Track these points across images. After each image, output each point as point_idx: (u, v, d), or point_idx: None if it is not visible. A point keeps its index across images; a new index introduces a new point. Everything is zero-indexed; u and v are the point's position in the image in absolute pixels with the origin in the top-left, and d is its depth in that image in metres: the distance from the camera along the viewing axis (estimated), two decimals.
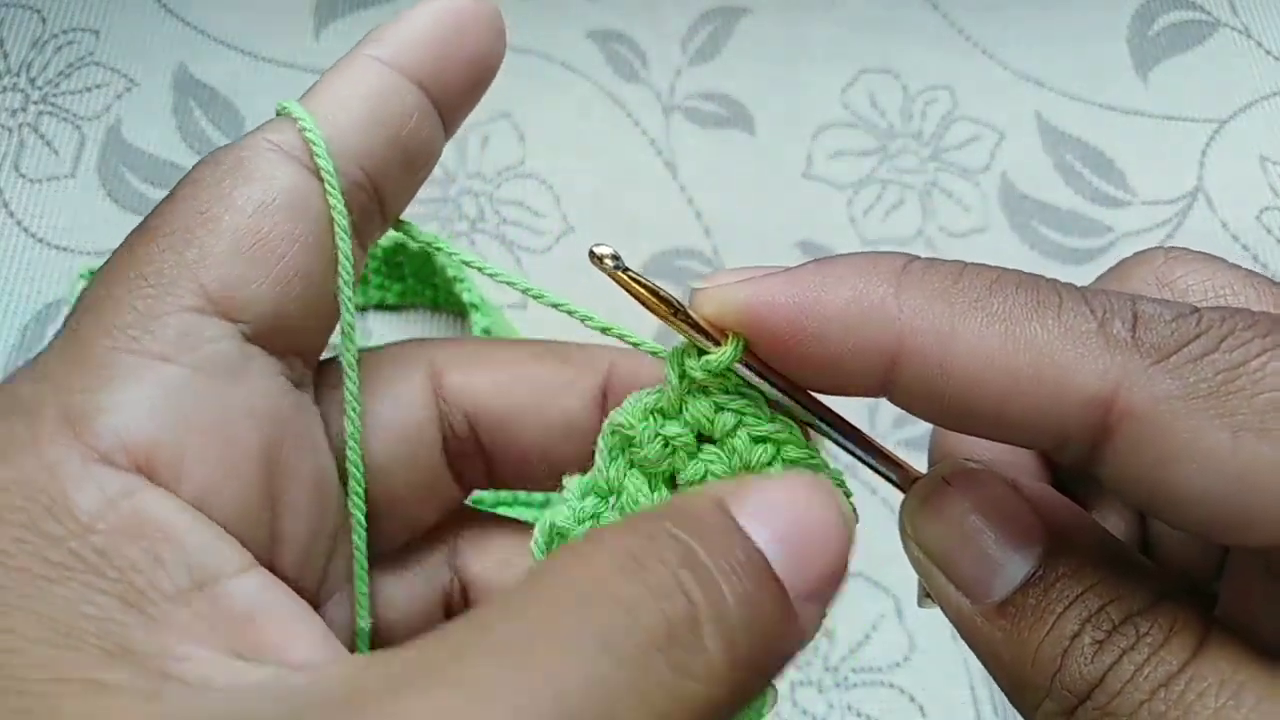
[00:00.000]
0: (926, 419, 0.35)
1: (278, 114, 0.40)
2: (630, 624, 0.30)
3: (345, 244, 0.39)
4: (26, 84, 1.09)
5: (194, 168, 0.39)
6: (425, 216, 1.06)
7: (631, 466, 0.40)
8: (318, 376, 0.43)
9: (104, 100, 1.09)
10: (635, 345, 0.41)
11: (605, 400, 0.46)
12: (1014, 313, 0.33)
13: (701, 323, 0.37)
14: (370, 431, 0.42)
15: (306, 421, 0.40)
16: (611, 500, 0.41)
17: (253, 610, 0.33)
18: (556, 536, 0.41)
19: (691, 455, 0.40)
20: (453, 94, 0.42)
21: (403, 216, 0.43)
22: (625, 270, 0.37)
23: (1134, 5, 1.21)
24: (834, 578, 0.35)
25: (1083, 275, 0.51)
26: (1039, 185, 1.11)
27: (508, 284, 0.43)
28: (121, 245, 0.38)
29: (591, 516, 0.41)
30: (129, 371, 0.35)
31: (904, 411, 0.36)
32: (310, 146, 0.38)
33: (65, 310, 0.97)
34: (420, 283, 1.01)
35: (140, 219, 0.39)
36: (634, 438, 0.40)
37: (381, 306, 1.03)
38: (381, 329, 1.02)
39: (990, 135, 1.14)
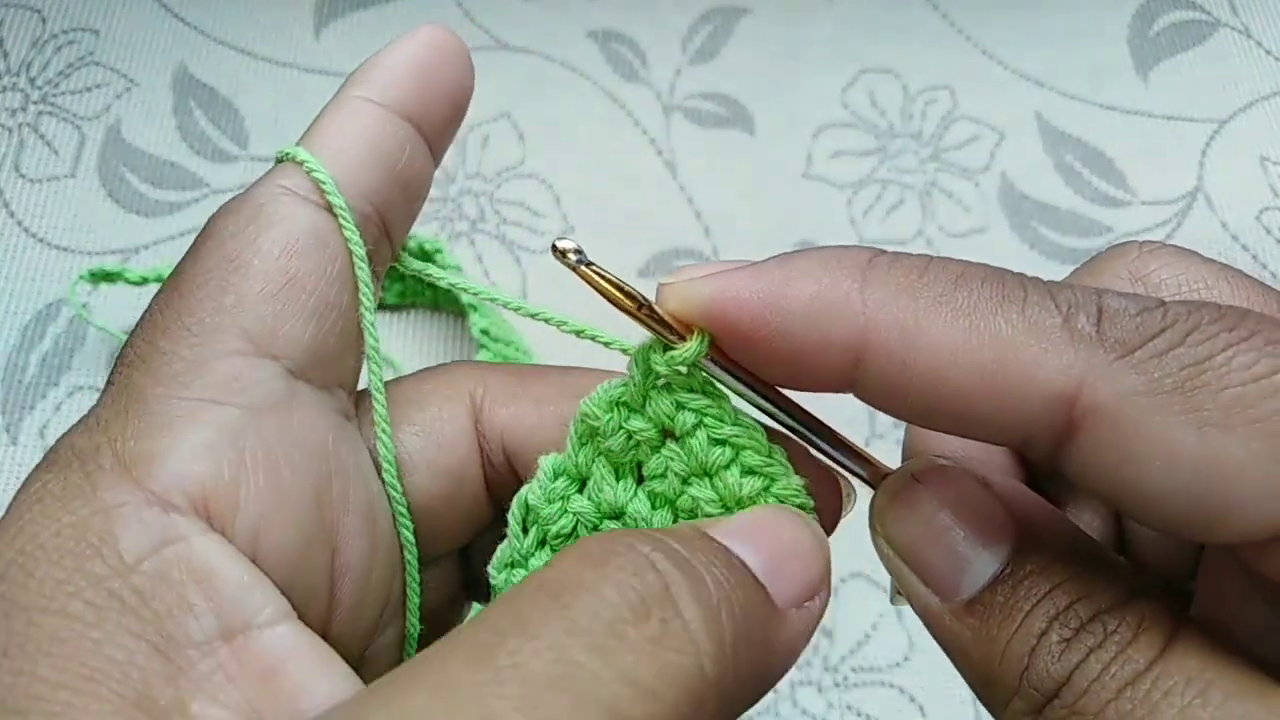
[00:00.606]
0: (892, 414, 0.35)
1: (278, 160, 0.41)
2: (596, 603, 0.30)
3: (365, 273, 0.40)
4: (26, 84, 1.09)
5: (212, 220, 0.40)
6: (426, 217, 1.06)
7: (598, 454, 0.40)
8: (359, 409, 0.43)
9: (104, 100, 1.09)
10: (606, 345, 0.41)
11: None
12: (979, 307, 0.32)
13: (667, 318, 0.37)
14: (417, 473, 0.43)
15: (354, 451, 0.41)
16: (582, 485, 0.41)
17: (278, 663, 0.33)
18: (529, 511, 0.41)
19: (655, 450, 0.40)
20: (437, 125, 0.43)
21: None
22: (589, 265, 0.37)
23: (1134, 5, 1.20)
24: (814, 585, 0.36)
25: None
26: (1039, 185, 1.11)
27: (490, 300, 0.44)
28: (155, 301, 0.39)
29: (561, 498, 0.41)
30: (183, 415, 0.36)
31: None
32: (321, 187, 0.40)
33: (65, 310, 0.98)
34: (420, 283, 1.01)
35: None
36: (599, 428, 0.40)
37: (382, 307, 1.03)
38: (382, 329, 1.02)
39: (990, 135, 1.13)
